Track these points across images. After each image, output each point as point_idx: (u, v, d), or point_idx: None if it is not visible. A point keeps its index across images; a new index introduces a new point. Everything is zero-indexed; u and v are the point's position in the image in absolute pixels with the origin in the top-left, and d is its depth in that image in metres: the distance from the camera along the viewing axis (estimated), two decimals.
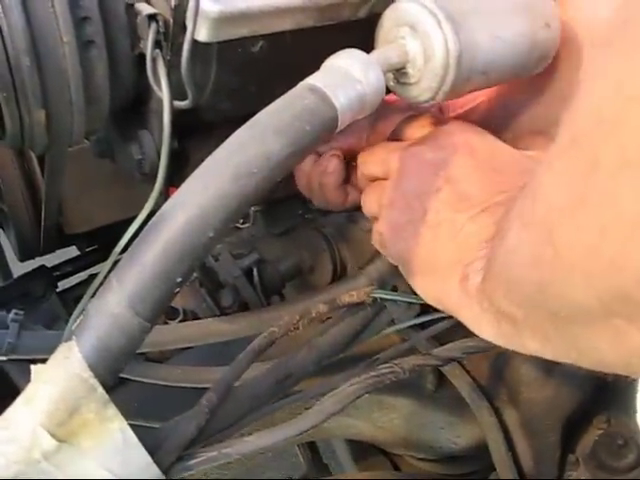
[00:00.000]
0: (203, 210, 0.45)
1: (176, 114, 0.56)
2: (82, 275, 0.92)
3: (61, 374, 0.45)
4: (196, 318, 0.79)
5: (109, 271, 0.80)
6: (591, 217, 0.35)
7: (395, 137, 0.63)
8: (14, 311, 0.62)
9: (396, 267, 0.68)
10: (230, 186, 0.45)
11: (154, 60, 0.51)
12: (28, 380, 0.67)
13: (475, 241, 0.54)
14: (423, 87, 0.55)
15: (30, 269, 0.87)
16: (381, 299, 0.67)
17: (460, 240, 0.56)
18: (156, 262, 0.45)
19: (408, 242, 0.59)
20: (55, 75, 0.51)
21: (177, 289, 0.46)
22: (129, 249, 0.47)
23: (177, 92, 0.53)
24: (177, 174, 0.61)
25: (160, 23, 0.51)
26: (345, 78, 0.50)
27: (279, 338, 0.62)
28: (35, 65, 0.50)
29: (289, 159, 0.47)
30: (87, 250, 0.90)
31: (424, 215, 0.58)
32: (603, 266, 0.34)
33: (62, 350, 0.46)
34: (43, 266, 0.86)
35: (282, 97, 0.49)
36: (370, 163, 0.63)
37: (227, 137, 0.71)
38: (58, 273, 0.88)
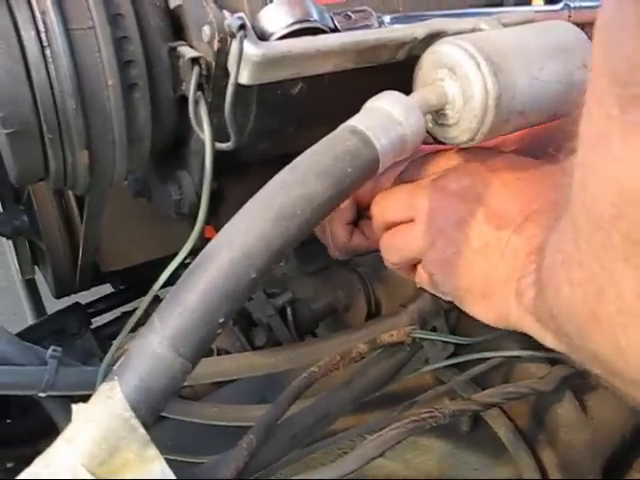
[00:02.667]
0: (246, 251, 0.45)
1: (215, 155, 0.57)
2: (115, 312, 0.92)
3: (103, 414, 0.45)
4: None
5: (145, 309, 0.80)
6: None
7: (406, 179, 0.64)
8: (52, 347, 0.62)
9: (438, 307, 0.68)
10: (273, 228, 0.46)
11: (196, 102, 0.52)
12: (66, 416, 0.68)
13: (523, 254, 0.55)
14: (462, 128, 0.55)
15: (64, 306, 0.88)
16: (420, 339, 0.68)
17: (509, 256, 0.56)
18: (199, 303, 0.45)
19: (460, 273, 0.59)
20: (99, 117, 0.52)
21: (219, 330, 0.46)
22: (172, 289, 0.47)
23: (217, 133, 0.54)
24: (212, 212, 0.62)
25: (203, 66, 0.52)
26: (386, 120, 0.50)
27: (319, 379, 0.61)
28: (80, 107, 0.51)
29: (331, 201, 0.47)
30: (120, 288, 0.90)
31: (468, 242, 0.58)
32: None
33: (104, 389, 0.46)
34: (77, 303, 0.87)
35: (324, 139, 0.49)
36: (392, 209, 0.63)
37: (262, 176, 0.73)
38: (92, 310, 0.89)
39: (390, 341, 0.67)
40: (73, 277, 0.78)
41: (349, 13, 0.55)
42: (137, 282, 0.89)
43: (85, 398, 0.64)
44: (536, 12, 0.62)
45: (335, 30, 0.54)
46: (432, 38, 0.56)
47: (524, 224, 0.56)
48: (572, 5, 0.65)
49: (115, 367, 0.46)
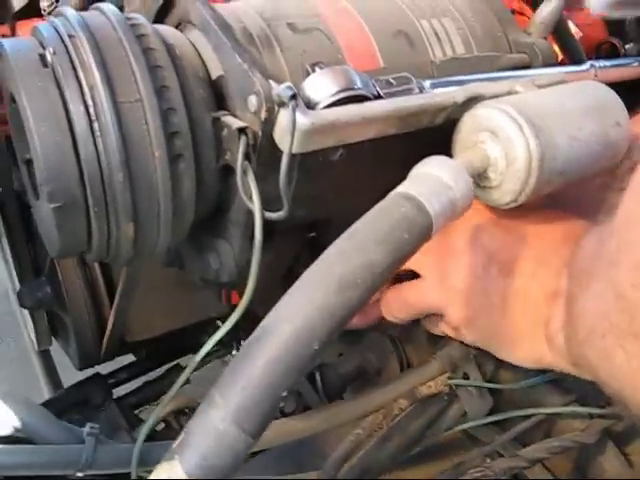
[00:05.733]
0: (309, 323, 0.45)
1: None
2: (136, 382, 0.90)
3: None
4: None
5: (170, 377, 0.79)
6: None
7: None
8: (90, 425, 0.60)
9: (467, 351, 0.68)
10: (335, 298, 0.45)
11: (244, 172, 0.51)
12: None
13: (542, 297, 0.57)
14: (505, 190, 0.55)
15: (78, 377, 0.86)
16: (456, 386, 0.67)
17: (529, 302, 0.58)
18: (262, 377, 0.44)
19: (486, 326, 0.61)
20: (146, 189, 0.52)
21: (282, 403, 0.45)
22: (231, 364, 0.46)
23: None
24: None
25: (249, 136, 0.52)
26: (437, 185, 0.50)
27: (364, 440, 0.60)
28: (128, 180, 0.51)
29: (390, 268, 0.47)
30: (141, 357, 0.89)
31: (488, 298, 0.60)
32: None
33: (164, 469, 0.45)
34: (98, 373, 0.85)
35: (378, 206, 0.49)
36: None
37: (290, 240, 0.73)
38: (112, 380, 0.87)
39: (428, 393, 0.66)
40: (98, 348, 0.77)
41: (390, 80, 0.55)
42: (158, 351, 0.87)
43: (122, 477, 0.62)
44: (566, 73, 0.63)
45: (378, 97, 0.54)
46: (470, 102, 0.57)
47: (537, 270, 0.58)
48: (597, 65, 0.66)
49: (174, 446, 0.45)
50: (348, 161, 0.58)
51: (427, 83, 0.56)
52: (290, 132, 0.48)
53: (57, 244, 0.53)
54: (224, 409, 0.44)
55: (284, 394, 0.45)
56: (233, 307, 0.82)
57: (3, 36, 0.80)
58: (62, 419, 0.65)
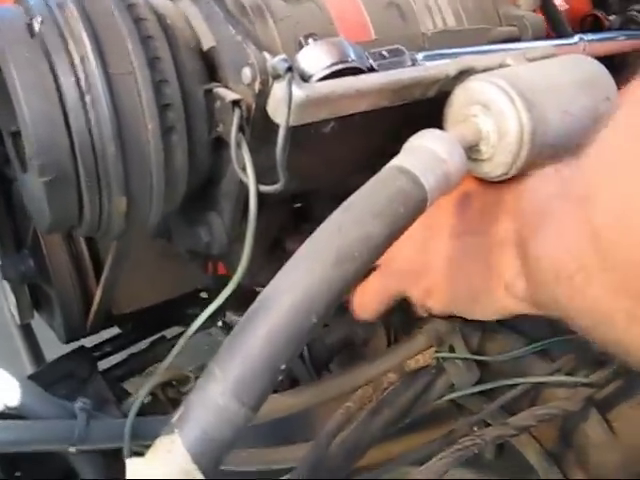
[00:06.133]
0: (307, 295, 0.45)
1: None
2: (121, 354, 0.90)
3: (165, 469, 0.44)
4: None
5: (153, 350, 0.79)
6: None
7: None
8: (81, 400, 0.60)
9: (452, 325, 0.69)
10: (333, 271, 0.45)
11: (238, 145, 0.51)
12: (93, 470, 0.66)
13: (488, 249, 0.57)
14: (497, 163, 0.56)
15: (60, 350, 0.85)
16: (443, 359, 0.68)
17: (478, 257, 0.58)
18: (262, 350, 0.44)
19: (446, 292, 0.61)
20: (138, 162, 0.51)
21: (281, 376, 0.45)
22: (229, 337, 0.46)
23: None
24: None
25: (243, 108, 0.51)
26: (432, 159, 0.50)
27: (355, 413, 0.61)
28: (120, 153, 0.50)
29: (387, 241, 0.47)
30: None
31: (438, 264, 0.61)
32: None
33: (163, 444, 0.45)
34: (83, 346, 0.84)
35: (374, 179, 0.49)
36: None
37: (279, 212, 0.72)
38: (98, 353, 0.86)
39: (416, 366, 0.67)
40: (83, 321, 0.76)
41: (383, 52, 0.55)
42: (143, 323, 0.87)
43: (114, 452, 0.62)
44: (555, 46, 0.63)
45: (371, 70, 0.54)
46: (462, 75, 0.57)
47: (480, 225, 0.58)
48: (586, 39, 0.66)
49: (173, 420, 0.45)
50: (339, 133, 0.58)
51: (420, 56, 0.56)
52: (286, 104, 0.48)
53: (47, 219, 0.53)
54: (223, 383, 0.44)
55: (283, 367, 0.45)
56: (218, 278, 0.83)
57: None
58: (49, 392, 0.65)
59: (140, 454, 0.63)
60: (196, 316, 0.89)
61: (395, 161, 0.50)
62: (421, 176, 0.49)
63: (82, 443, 0.59)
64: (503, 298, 0.58)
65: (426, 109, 0.58)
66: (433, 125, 0.57)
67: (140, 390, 0.76)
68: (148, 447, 0.62)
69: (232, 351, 0.45)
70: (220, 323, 0.88)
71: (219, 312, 0.89)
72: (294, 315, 0.45)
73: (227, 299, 0.88)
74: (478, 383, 0.67)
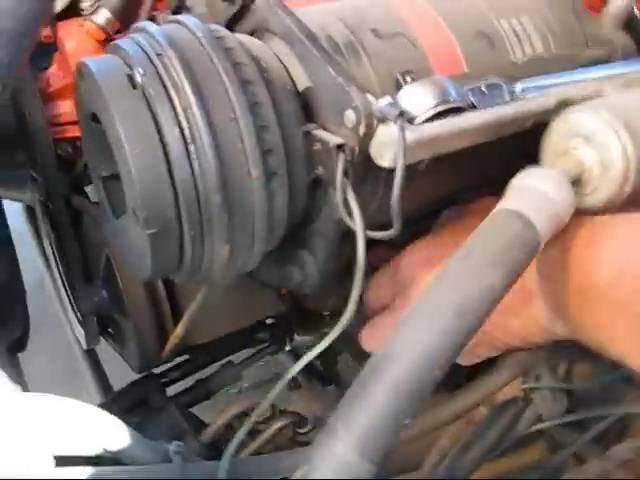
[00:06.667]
0: (430, 349, 0.44)
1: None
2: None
3: None
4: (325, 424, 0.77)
5: (220, 374, 0.78)
6: None
7: None
8: (176, 443, 0.60)
9: (535, 354, 0.68)
10: (455, 323, 0.44)
11: (344, 190, 0.50)
12: None
13: None
14: (599, 197, 0.54)
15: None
16: (530, 389, 0.67)
17: None
18: (386, 405, 0.44)
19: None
20: (242, 211, 0.51)
21: (403, 430, 0.45)
22: (350, 392, 0.45)
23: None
24: None
25: (347, 152, 0.50)
26: (543, 200, 0.49)
27: (449, 451, 0.60)
28: (225, 203, 0.49)
29: (506, 290, 0.46)
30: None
31: None
32: None
33: None
34: (152, 373, 0.84)
35: (487, 224, 0.48)
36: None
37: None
38: (165, 380, 0.86)
39: (504, 399, 0.66)
40: (157, 351, 0.76)
41: (482, 88, 0.54)
42: (211, 349, 0.86)
43: None
44: None
45: (472, 107, 0.53)
46: (560, 106, 0.56)
47: None
48: None
49: (296, 478, 0.45)
50: (431, 169, 0.57)
51: (518, 89, 0.55)
52: (396, 148, 0.47)
53: (148, 269, 0.52)
54: (348, 439, 0.43)
55: (407, 422, 0.44)
56: (286, 303, 0.82)
57: (45, 37, 0.77)
58: (123, 420, 0.64)
59: None
60: (263, 341, 0.89)
61: (507, 204, 0.49)
62: (534, 220, 0.48)
63: None
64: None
65: (518, 140, 0.57)
66: (523, 155, 0.56)
67: (219, 420, 0.76)
68: None
69: (355, 407, 0.44)
70: (287, 347, 0.88)
71: (286, 335, 0.89)
72: (416, 369, 0.44)
73: (294, 320, 0.88)
74: (567, 414, 0.66)
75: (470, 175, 0.62)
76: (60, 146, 0.79)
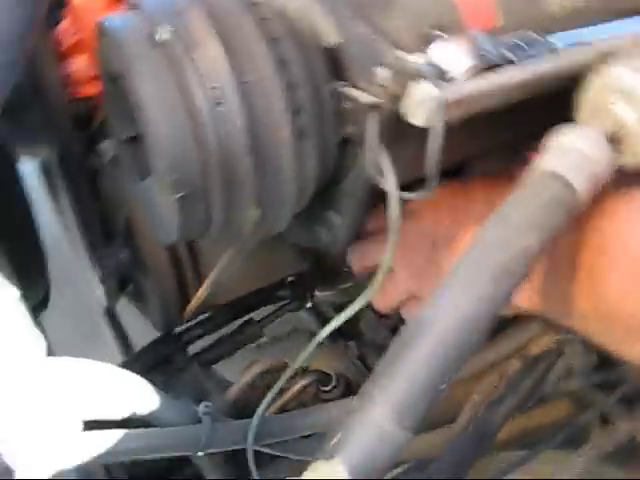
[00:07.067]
0: (470, 314, 0.43)
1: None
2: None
3: None
4: (347, 382, 0.77)
5: (241, 331, 0.77)
6: None
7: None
8: (204, 404, 0.60)
9: None
10: (493, 287, 0.44)
11: (376, 150, 0.49)
12: (217, 473, 0.66)
13: None
14: (638, 155, 0.53)
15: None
16: (562, 341, 0.67)
17: None
18: (423, 372, 0.43)
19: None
20: (272, 172, 0.49)
21: (439, 396, 0.44)
22: (386, 357, 0.44)
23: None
24: None
25: (379, 110, 0.48)
26: (582, 160, 0.48)
27: (481, 404, 0.60)
28: (254, 165, 0.48)
29: (541, 252, 0.45)
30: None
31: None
32: None
33: (324, 470, 0.44)
34: (172, 332, 0.84)
35: (526, 185, 0.47)
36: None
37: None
38: (187, 337, 0.86)
39: (537, 352, 0.66)
40: (180, 310, 0.75)
41: (519, 43, 0.52)
42: (232, 307, 0.86)
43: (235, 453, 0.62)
44: None
45: (510, 62, 0.51)
46: (600, 60, 0.54)
47: None
48: None
49: (332, 444, 0.44)
50: (463, 125, 0.55)
51: (556, 43, 0.53)
52: (440, 108, 0.46)
53: (175, 232, 0.51)
54: (385, 406, 0.43)
55: (443, 387, 0.44)
56: (307, 260, 0.81)
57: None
58: (147, 379, 0.64)
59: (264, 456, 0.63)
60: (284, 298, 0.89)
61: (544, 164, 0.48)
62: (573, 181, 0.47)
63: (208, 447, 0.58)
64: None
65: (551, 96, 0.55)
66: (557, 111, 0.54)
67: (242, 378, 0.76)
68: (271, 446, 0.63)
69: (391, 373, 0.44)
70: (309, 304, 0.87)
71: (307, 292, 0.88)
72: (455, 334, 0.43)
73: (315, 277, 0.88)
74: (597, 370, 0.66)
75: (502, 132, 0.60)
76: (75, 104, 0.78)
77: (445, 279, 0.45)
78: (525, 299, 0.55)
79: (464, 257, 0.45)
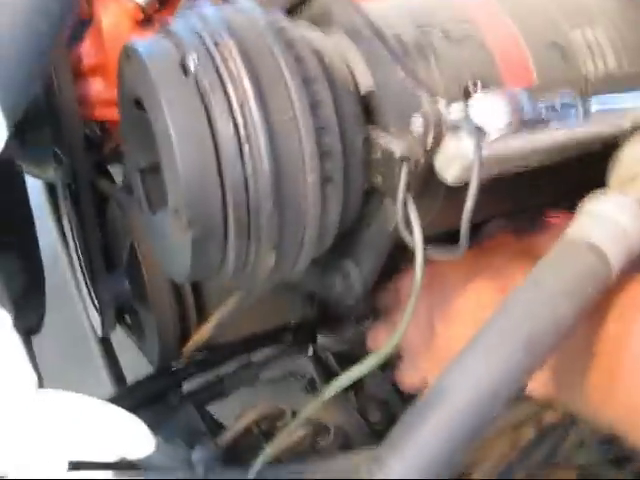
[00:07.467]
0: (493, 386, 0.41)
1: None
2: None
3: None
4: (345, 435, 0.74)
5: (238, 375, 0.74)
6: None
7: None
8: (198, 449, 0.57)
9: None
10: (522, 358, 0.41)
11: (405, 204, 0.47)
12: None
13: None
14: None
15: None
16: None
17: None
18: (441, 445, 0.41)
19: None
20: (293, 217, 0.47)
21: (455, 468, 0.42)
22: (402, 423, 0.42)
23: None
24: None
25: (411, 163, 0.47)
26: (617, 232, 0.46)
27: (491, 471, 0.58)
28: (276, 208, 0.46)
29: (574, 324, 0.43)
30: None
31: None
32: None
33: None
34: (169, 368, 0.81)
35: (560, 251, 0.45)
36: None
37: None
38: (182, 375, 0.83)
39: (551, 421, 0.64)
40: (178, 346, 0.72)
41: (555, 104, 0.50)
42: (231, 347, 0.83)
43: None
44: None
45: (545, 123, 0.49)
46: (635, 128, 0.52)
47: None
48: None
49: None
50: (487, 186, 0.53)
51: (592, 107, 0.51)
52: (477, 165, 0.44)
53: (187, 270, 0.49)
54: (399, 475, 0.40)
55: (459, 459, 0.41)
56: (314, 307, 0.79)
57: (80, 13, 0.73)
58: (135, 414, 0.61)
59: None
60: (284, 341, 0.86)
61: (580, 232, 0.46)
62: (609, 254, 0.45)
63: None
64: None
65: (581, 162, 0.53)
66: (581, 177, 0.53)
67: (238, 424, 0.73)
68: None
69: (407, 442, 0.41)
70: (310, 352, 0.85)
71: (309, 338, 0.86)
72: (477, 407, 0.41)
73: (316, 322, 0.85)
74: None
75: (527, 196, 0.59)
76: (88, 126, 0.76)
77: (467, 344, 0.42)
78: (540, 386, 0.52)
79: (489, 322, 0.43)
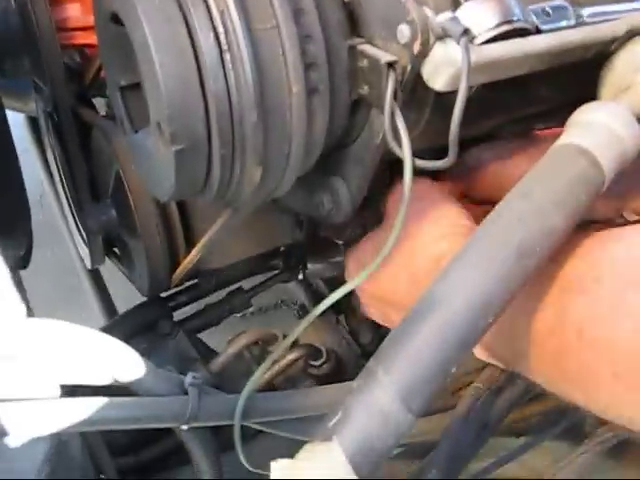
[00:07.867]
0: (486, 295, 0.40)
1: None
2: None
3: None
4: (337, 357, 0.74)
5: (231, 302, 0.74)
6: None
7: None
8: (192, 375, 0.57)
9: None
10: (514, 267, 0.41)
11: (392, 113, 0.45)
12: (202, 447, 0.63)
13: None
14: None
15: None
16: None
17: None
18: (433, 353, 0.40)
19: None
20: (278, 130, 0.46)
21: (449, 379, 0.41)
22: (393, 334, 0.42)
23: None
24: None
25: (398, 71, 0.45)
26: (609, 137, 0.45)
27: (483, 393, 0.58)
28: (261, 120, 0.44)
29: (566, 232, 0.42)
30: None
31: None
32: None
33: (320, 450, 0.41)
34: (159, 296, 0.80)
35: (550, 158, 0.44)
36: None
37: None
38: (173, 303, 0.82)
39: None
40: (168, 274, 0.72)
41: (547, 9, 0.48)
42: (222, 274, 0.82)
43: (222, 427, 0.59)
44: None
45: (537, 30, 0.48)
46: (628, 36, 0.50)
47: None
48: None
49: (330, 424, 0.41)
50: (481, 94, 0.52)
51: (585, 12, 0.50)
52: (465, 71, 0.42)
53: (171, 188, 0.48)
54: (390, 387, 0.40)
55: (453, 370, 0.41)
56: (303, 230, 0.78)
57: None
58: (129, 344, 0.61)
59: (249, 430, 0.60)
60: (275, 267, 0.85)
61: (572, 138, 0.45)
62: (601, 158, 0.44)
63: (194, 421, 0.55)
64: None
65: (574, 70, 0.52)
66: (580, 86, 0.52)
67: (229, 349, 0.73)
68: (260, 423, 0.60)
69: (398, 351, 0.41)
70: (300, 276, 0.84)
71: (299, 263, 0.85)
72: (469, 316, 0.40)
73: (306, 248, 0.84)
74: None
75: (519, 107, 0.57)
76: (68, 53, 0.74)
77: (457, 254, 0.42)
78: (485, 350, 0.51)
79: (479, 232, 0.42)
